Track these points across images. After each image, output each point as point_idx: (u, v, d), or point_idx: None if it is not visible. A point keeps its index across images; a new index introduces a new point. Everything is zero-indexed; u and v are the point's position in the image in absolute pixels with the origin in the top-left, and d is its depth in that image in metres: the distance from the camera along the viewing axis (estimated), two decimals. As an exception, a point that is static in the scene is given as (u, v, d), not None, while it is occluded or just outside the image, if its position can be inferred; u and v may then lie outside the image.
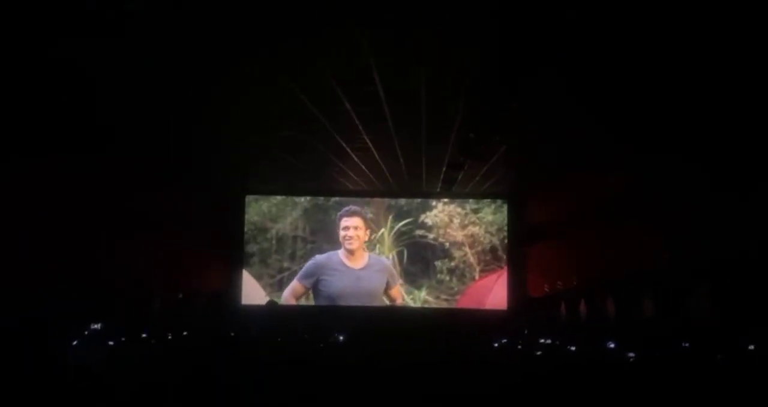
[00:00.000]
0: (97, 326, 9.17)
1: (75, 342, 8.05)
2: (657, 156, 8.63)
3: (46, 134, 7.88)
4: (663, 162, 8.51)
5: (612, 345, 8.49)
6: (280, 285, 13.72)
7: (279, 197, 14.00)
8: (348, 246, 13.41)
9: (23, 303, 7.71)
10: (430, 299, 13.65)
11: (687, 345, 7.07)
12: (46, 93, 6.55)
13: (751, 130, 6.80)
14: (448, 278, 13.68)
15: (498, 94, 6.24)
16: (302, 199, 13.97)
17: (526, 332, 10.65)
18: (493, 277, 13.71)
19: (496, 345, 10.13)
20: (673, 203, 8.49)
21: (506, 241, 13.70)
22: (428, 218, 13.77)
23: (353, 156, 9.85)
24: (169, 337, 10.39)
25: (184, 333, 10.82)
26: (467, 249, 13.69)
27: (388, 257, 13.69)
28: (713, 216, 7.66)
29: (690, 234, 8.13)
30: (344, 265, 13.44)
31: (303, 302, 13.67)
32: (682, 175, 8.23)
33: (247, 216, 13.94)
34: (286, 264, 13.80)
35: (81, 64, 5.78)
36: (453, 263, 13.66)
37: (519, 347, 9.99)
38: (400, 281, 13.66)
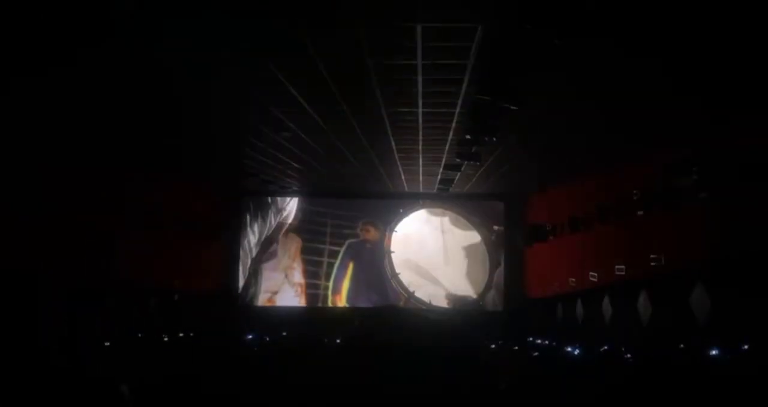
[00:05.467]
0: (94, 326, 9.13)
1: (73, 342, 8.02)
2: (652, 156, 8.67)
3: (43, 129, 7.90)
4: (659, 164, 8.54)
5: (608, 347, 8.50)
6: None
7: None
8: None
9: (20, 303, 7.69)
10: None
11: (683, 345, 7.09)
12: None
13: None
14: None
15: (494, 97, 6.25)
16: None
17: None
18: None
19: (493, 346, 10.14)
20: (670, 205, 8.50)
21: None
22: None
23: (350, 157, 9.86)
24: (165, 339, 10.37)
25: (180, 334, 10.81)
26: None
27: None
28: (709, 218, 7.69)
29: (687, 235, 8.14)
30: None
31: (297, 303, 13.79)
32: (677, 178, 8.25)
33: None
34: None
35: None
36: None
37: (516, 348, 10.00)
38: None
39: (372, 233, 14.02)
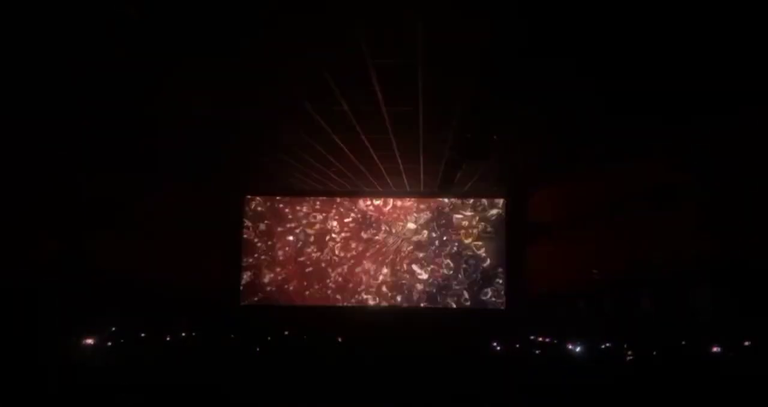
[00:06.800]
0: (95, 327, 9.14)
1: (74, 343, 8.04)
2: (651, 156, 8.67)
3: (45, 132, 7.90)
4: (658, 163, 8.54)
5: (610, 345, 8.50)
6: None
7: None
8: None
9: (22, 304, 7.70)
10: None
11: (685, 343, 7.08)
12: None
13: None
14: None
15: (496, 94, 6.25)
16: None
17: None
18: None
19: (495, 344, 10.14)
20: (670, 203, 8.51)
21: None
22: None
23: (351, 157, 9.86)
24: (168, 339, 10.38)
25: (183, 334, 10.82)
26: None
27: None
28: (709, 216, 7.69)
29: (688, 234, 8.14)
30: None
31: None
32: (677, 176, 8.26)
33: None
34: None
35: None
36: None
37: (517, 346, 10.00)
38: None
39: (373, 233, 14.03)
